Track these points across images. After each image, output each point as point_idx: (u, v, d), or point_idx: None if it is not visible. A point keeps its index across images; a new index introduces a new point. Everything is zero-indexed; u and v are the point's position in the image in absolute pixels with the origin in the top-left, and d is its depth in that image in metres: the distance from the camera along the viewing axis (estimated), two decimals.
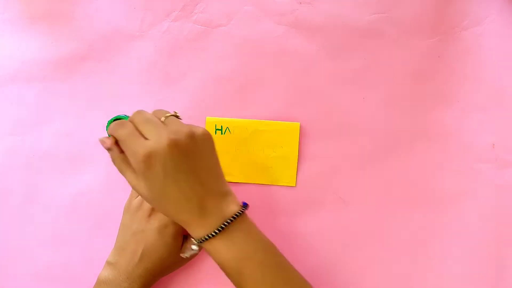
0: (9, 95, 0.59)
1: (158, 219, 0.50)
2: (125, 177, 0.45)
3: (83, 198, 0.57)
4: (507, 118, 0.58)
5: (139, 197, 0.52)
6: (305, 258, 0.56)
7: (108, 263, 0.51)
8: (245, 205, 0.45)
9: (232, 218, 0.43)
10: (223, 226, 0.42)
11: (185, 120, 0.58)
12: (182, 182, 0.42)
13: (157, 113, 0.46)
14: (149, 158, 0.40)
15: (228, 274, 0.45)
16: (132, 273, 0.50)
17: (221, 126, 0.58)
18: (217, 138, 0.58)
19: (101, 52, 0.59)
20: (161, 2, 0.60)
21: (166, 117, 0.45)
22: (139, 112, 0.45)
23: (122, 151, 0.44)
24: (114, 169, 0.58)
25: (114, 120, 0.54)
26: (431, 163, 0.57)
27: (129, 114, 0.56)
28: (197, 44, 0.59)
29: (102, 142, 0.45)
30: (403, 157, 0.57)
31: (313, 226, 0.57)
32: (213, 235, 0.42)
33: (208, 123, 0.58)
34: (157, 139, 0.41)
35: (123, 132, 0.43)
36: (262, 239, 0.45)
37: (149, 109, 0.58)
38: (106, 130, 0.54)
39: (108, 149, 0.45)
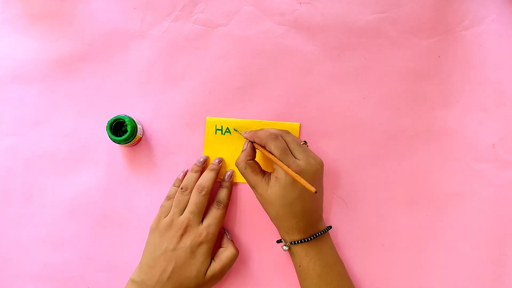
0: (9, 95, 0.59)
1: (191, 238, 0.51)
2: (246, 177, 0.53)
3: (83, 198, 0.57)
4: (507, 118, 0.58)
5: (169, 216, 0.52)
6: None
7: (133, 281, 0.51)
8: (330, 227, 0.54)
9: (324, 231, 0.52)
10: (317, 234, 0.51)
11: (185, 120, 0.58)
12: (310, 199, 0.51)
13: (292, 136, 0.53)
14: (298, 175, 0.48)
15: (306, 277, 0.51)
16: None
17: (221, 126, 0.58)
18: (217, 138, 0.58)
19: (101, 52, 0.59)
20: (161, 2, 0.60)
21: (304, 143, 0.54)
22: (288, 133, 0.53)
23: (253, 157, 0.54)
24: (113, 169, 0.58)
25: (114, 120, 0.54)
26: (431, 163, 0.57)
27: (129, 114, 0.57)
28: (197, 44, 0.59)
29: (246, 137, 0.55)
30: (403, 157, 0.57)
31: None
32: (307, 240, 0.51)
33: (208, 123, 0.58)
34: (305, 163, 0.49)
35: (280, 145, 0.50)
36: (338, 256, 0.54)
37: (149, 109, 0.58)
38: (106, 130, 0.54)
39: (244, 150, 0.54)
